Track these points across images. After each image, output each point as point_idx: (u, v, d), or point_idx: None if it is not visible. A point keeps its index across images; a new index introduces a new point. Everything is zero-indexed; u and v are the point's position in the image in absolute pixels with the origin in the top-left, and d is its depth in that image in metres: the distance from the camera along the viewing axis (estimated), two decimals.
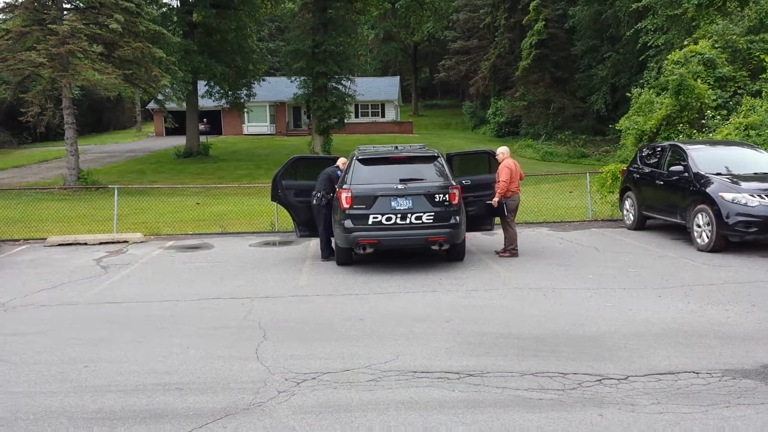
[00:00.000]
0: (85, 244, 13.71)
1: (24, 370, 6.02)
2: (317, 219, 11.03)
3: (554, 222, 14.84)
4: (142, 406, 5.14)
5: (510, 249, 10.90)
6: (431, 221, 9.73)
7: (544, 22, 45.14)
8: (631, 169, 13.63)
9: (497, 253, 11.05)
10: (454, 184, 10.06)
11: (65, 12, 26.76)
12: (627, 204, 13.53)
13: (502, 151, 11.13)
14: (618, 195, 14.27)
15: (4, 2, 27.99)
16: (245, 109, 44.13)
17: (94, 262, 11.76)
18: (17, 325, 7.75)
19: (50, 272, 10.90)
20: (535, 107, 47.16)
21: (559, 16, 45.91)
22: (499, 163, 10.92)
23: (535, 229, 13.75)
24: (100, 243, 13.73)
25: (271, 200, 12.09)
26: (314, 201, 10.91)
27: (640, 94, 20.42)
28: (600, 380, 5.40)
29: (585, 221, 14.90)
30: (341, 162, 11.35)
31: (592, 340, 6.45)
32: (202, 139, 40.02)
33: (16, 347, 6.80)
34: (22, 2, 26.07)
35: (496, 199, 10.66)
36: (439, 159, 10.38)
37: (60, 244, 13.71)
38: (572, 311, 7.54)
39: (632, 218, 13.26)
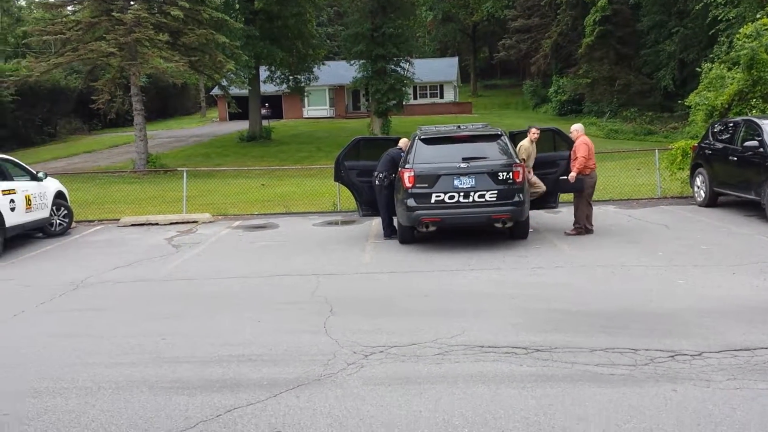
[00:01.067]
0: (157, 224, 14.20)
1: (104, 343, 6.30)
2: (379, 199, 11.11)
3: (621, 200, 14.50)
4: (218, 376, 5.32)
5: (585, 226, 10.70)
6: (494, 199, 9.66)
7: None
8: (703, 145, 13.19)
9: (568, 234, 10.77)
10: (518, 161, 9.96)
11: (131, 2, 27.51)
12: (698, 180, 13.10)
13: (576, 128, 10.93)
14: (689, 172, 13.83)
15: None
16: (305, 93, 44.55)
17: (166, 241, 12.17)
18: (95, 301, 8.11)
19: (124, 251, 11.35)
20: (599, 84, 45.91)
21: None
22: (573, 141, 10.79)
23: (601, 207, 13.44)
24: (171, 223, 14.20)
25: (334, 180, 12.22)
26: (376, 182, 10.99)
27: (710, 69, 19.60)
28: (673, 356, 5.29)
29: (654, 198, 14.51)
30: (403, 143, 11.37)
31: (663, 317, 6.31)
32: (264, 123, 40.65)
33: (95, 321, 7.13)
34: None
35: (573, 174, 10.47)
36: (502, 137, 10.28)
37: (133, 225, 14.25)
38: (642, 288, 7.39)
39: (704, 195, 12.84)
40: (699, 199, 13.03)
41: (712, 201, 12.63)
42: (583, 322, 6.28)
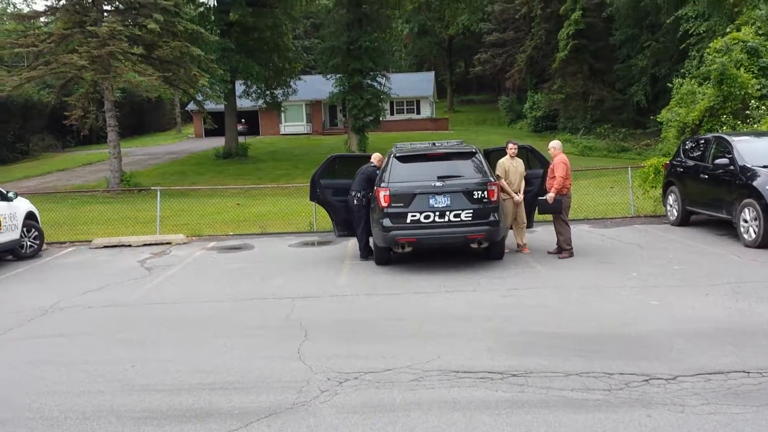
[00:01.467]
0: (130, 245, 14.01)
1: (72, 370, 6.17)
2: (356, 219, 11.04)
3: (595, 219, 14.62)
4: (188, 405, 5.23)
5: (568, 249, 10.45)
6: (470, 219, 9.67)
7: (581, 11, 44.33)
8: (674, 162, 13.34)
9: (551, 253, 10.72)
10: (493, 180, 9.99)
11: (105, 14, 27.31)
12: (670, 199, 13.24)
13: (555, 145, 10.72)
14: (661, 190, 13.98)
15: (46, 6, 28.74)
16: (282, 109, 44.46)
17: (139, 263, 12.00)
18: (65, 326, 7.95)
19: (96, 274, 11.16)
20: (572, 100, 46.45)
21: (596, 5, 45.01)
22: (548, 159, 10.76)
23: (575, 226, 13.50)
24: (144, 244, 14.02)
25: (310, 200, 12.16)
26: (354, 201, 10.93)
27: (681, 85, 19.92)
28: (647, 380, 5.30)
29: (627, 217, 14.65)
30: (376, 158, 11.35)
31: (637, 340, 6.34)
32: (241, 139, 40.48)
33: (65, 348, 6.98)
34: (63, 5, 26.69)
35: (551, 194, 10.28)
36: (477, 155, 10.30)
37: (105, 246, 14.03)
38: (616, 310, 7.42)
39: (676, 214, 12.98)
40: (672, 218, 13.17)
41: (684, 220, 12.76)
42: (558, 345, 6.28)
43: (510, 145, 10.95)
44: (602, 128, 42.94)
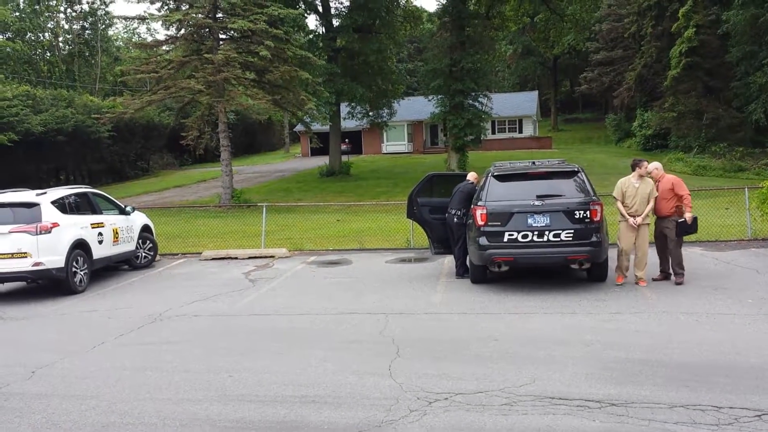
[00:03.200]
0: (236, 258, 14.56)
1: (174, 378, 6.44)
2: (456, 237, 10.98)
3: (708, 241, 13.76)
4: (280, 417, 5.32)
5: (682, 273, 9.77)
6: (570, 239, 9.36)
7: (695, 29, 42.36)
8: None
9: (656, 280, 10.04)
10: (597, 199, 9.64)
11: (220, 42, 28.81)
12: None
13: (657, 166, 10.01)
14: None
15: (167, 35, 30.67)
16: (384, 129, 45.11)
17: (243, 275, 12.44)
18: (171, 334, 8.34)
19: (204, 285, 11.66)
20: (685, 118, 44.21)
21: (711, 22, 42.89)
22: (656, 181, 9.88)
23: (687, 249, 12.77)
24: (249, 257, 14.53)
25: (407, 217, 12.21)
26: (455, 219, 10.89)
27: None
28: (759, 416, 4.90)
29: (743, 240, 13.72)
30: (472, 176, 11.27)
31: (750, 371, 5.88)
32: (344, 158, 41.35)
33: (168, 355, 7.31)
34: (182, 34, 28.40)
35: (689, 214, 9.62)
36: (579, 174, 9.98)
37: (213, 258, 14.66)
38: (728, 338, 6.93)
39: None
40: None
41: None
42: (663, 374, 5.93)
43: (642, 164, 9.86)
44: (718, 147, 40.67)
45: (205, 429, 5.14)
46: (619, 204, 9.82)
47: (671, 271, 9.91)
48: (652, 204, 9.69)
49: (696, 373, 5.90)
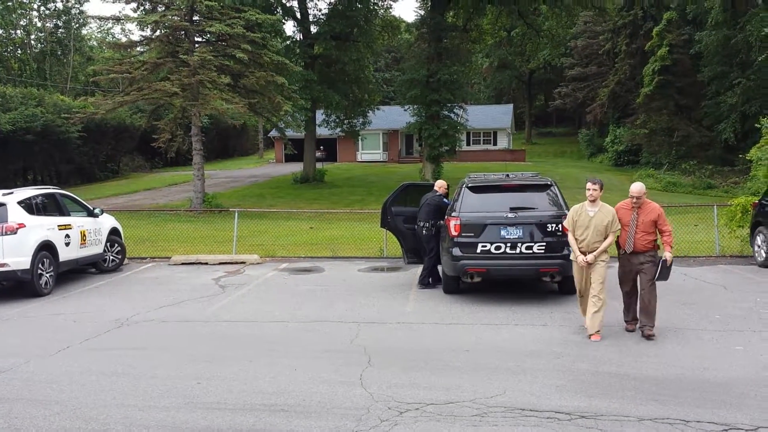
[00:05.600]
0: (206, 263, 14.39)
1: (141, 384, 6.31)
2: (427, 249, 10.99)
3: (677, 257, 13.93)
4: (249, 426, 5.23)
5: (652, 323, 7.75)
6: (543, 251, 9.43)
7: (668, 48, 43.29)
8: (764, 202, 12.70)
9: (630, 330, 8.03)
10: (568, 213, 9.69)
11: (196, 45, 28.58)
12: (759, 239, 12.55)
13: (642, 189, 7.79)
14: (749, 230, 13.27)
15: (142, 36, 30.36)
16: (359, 137, 45.14)
17: (213, 281, 12.29)
18: (138, 340, 8.18)
19: (172, 290, 11.49)
20: (657, 135, 45.07)
21: (684, 42, 43.89)
22: (636, 208, 7.73)
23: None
24: (220, 263, 14.37)
25: (381, 226, 12.19)
26: (423, 231, 10.90)
27: None
28: (726, 430, 4.96)
29: (711, 257, 13.96)
30: (439, 185, 11.26)
31: (717, 386, 5.95)
32: (318, 165, 41.27)
33: (135, 361, 7.16)
34: (158, 36, 28.12)
35: (670, 254, 7.67)
36: (552, 187, 10.07)
37: (183, 263, 14.47)
38: (696, 354, 7.02)
39: (764, 255, 12.29)
40: (759, 259, 12.46)
41: None
42: (632, 387, 5.97)
43: (589, 185, 7.92)
44: (688, 164, 41.53)
45: None
46: (570, 236, 7.94)
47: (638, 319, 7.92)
48: (611, 239, 7.68)
49: (664, 388, 5.95)
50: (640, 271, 7.75)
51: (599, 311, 7.66)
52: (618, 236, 7.84)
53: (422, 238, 10.97)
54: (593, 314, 7.68)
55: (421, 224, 10.93)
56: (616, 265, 8.12)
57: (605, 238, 7.69)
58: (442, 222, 10.70)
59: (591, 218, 7.76)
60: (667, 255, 7.63)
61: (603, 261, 7.75)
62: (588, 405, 5.54)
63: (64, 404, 5.76)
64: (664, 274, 7.68)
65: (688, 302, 9.55)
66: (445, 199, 10.94)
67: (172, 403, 5.77)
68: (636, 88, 47.62)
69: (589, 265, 7.73)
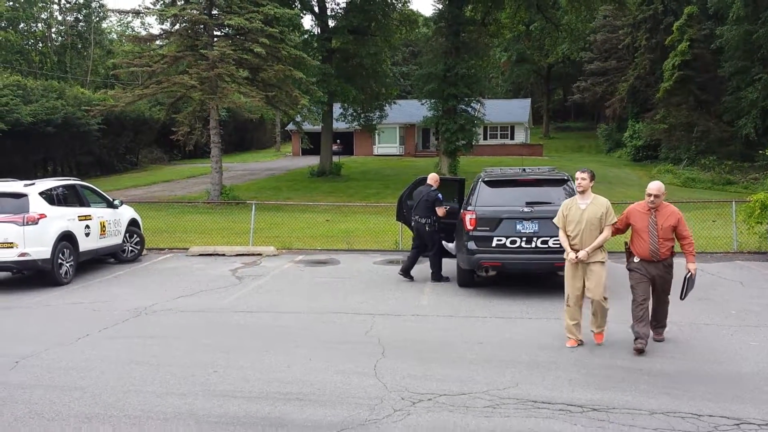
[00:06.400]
0: (223, 255, 14.53)
1: (159, 372, 6.42)
2: (430, 244, 11.12)
3: (695, 253, 13.86)
4: (264, 414, 5.32)
5: (663, 327, 7.46)
6: (558, 246, 9.39)
7: (688, 43, 42.82)
8: None
9: (656, 339, 7.36)
10: None
11: (215, 39, 28.74)
12: None
13: (662, 189, 7.01)
14: (767, 226, 13.15)
15: (162, 29, 30.59)
16: (376, 131, 45.17)
17: (230, 272, 12.42)
18: (157, 329, 8.31)
19: (190, 280, 11.63)
20: (676, 130, 44.64)
21: (705, 36, 43.38)
22: (654, 209, 6.97)
23: (674, 259, 12.92)
24: (237, 255, 14.50)
25: (396, 220, 12.25)
26: (426, 228, 10.98)
27: None
28: (738, 424, 4.96)
29: (729, 253, 13.85)
30: (432, 179, 11.25)
31: (731, 380, 5.95)
32: (335, 159, 41.36)
33: (154, 349, 7.29)
34: (177, 29, 28.30)
35: (694, 265, 7.19)
36: (569, 182, 10.04)
37: (200, 254, 14.62)
38: (710, 348, 7.01)
39: None
40: None
41: None
42: (645, 381, 5.99)
43: (578, 174, 7.32)
44: (707, 160, 41.11)
45: (189, 423, 5.14)
46: (561, 233, 7.34)
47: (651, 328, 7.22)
48: (606, 233, 7.06)
49: (677, 381, 5.96)
50: (657, 280, 7.07)
51: (604, 315, 7.16)
52: (630, 242, 7.13)
53: (424, 234, 11.06)
54: (602, 320, 7.19)
55: (423, 221, 10.99)
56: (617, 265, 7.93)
57: (600, 233, 7.04)
58: (434, 217, 10.86)
59: (583, 211, 7.10)
60: (691, 267, 7.04)
61: (600, 260, 7.03)
62: (600, 398, 5.56)
63: (83, 390, 5.89)
64: (690, 286, 7.12)
65: (705, 298, 9.51)
66: (437, 193, 10.98)
67: (189, 390, 5.87)
68: (656, 82, 47.17)
69: (584, 264, 7.02)
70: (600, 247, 7.05)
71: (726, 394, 5.61)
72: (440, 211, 10.89)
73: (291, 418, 5.21)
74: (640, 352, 6.79)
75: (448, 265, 11.40)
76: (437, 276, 11.17)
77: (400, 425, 5.04)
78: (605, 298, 7.10)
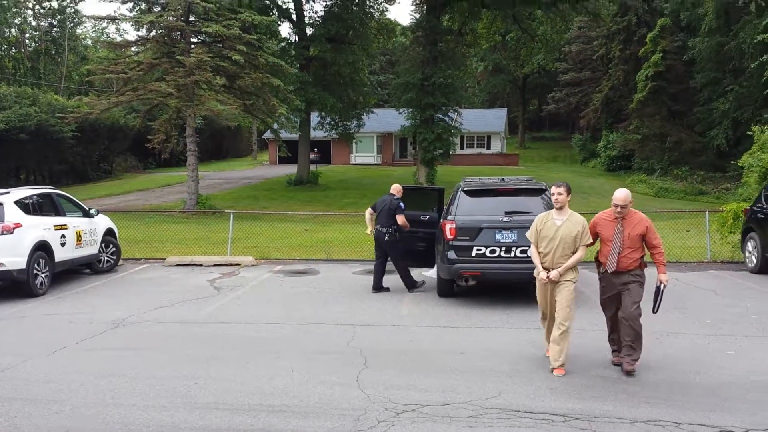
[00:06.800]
0: (201, 265, 14.41)
1: (138, 384, 6.35)
2: (393, 254, 11.11)
3: (669, 262, 14.01)
4: (247, 426, 5.29)
5: (637, 355, 6.70)
6: None
7: (661, 54, 43.60)
8: (755, 208, 12.82)
9: (628, 371, 6.54)
10: None
11: (192, 45, 28.58)
12: (750, 246, 12.70)
13: (624, 198, 6.61)
14: (740, 236, 13.42)
15: (138, 36, 30.35)
16: (354, 140, 45.21)
17: (208, 282, 12.32)
18: (134, 340, 8.21)
19: (167, 291, 11.52)
20: (649, 141, 45.35)
21: (677, 48, 44.24)
22: (621, 218, 6.64)
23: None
24: (215, 265, 14.40)
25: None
26: (386, 237, 11.00)
27: (762, 132, 19.26)
28: None
29: (703, 262, 14.09)
30: (395, 189, 11.29)
31: (709, 390, 6.05)
32: (312, 167, 41.28)
33: (133, 361, 7.21)
34: (153, 36, 28.10)
35: (665, 276, 6.84)
36: (547, 192, 10.13)
37: (178, 264, 14.49)
38: (688, 357, 7.12)
39: (755, 261, 12.42)
40: (750, 265, 12.61)
41: (764, 267, 12.18)
42: (624, 390, 6.07)
43: (553, 189, 6.88)
44: (680, 170, 41.81)
45: None
46: (533, 249, 6.94)
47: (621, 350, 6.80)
48: (580, 254, 6.65)
49: (656, 390, 6.05)
50: (623, 291, 6.67)
51: (564, 341, 6.57)
52: (598, 252, 6.80)
53: (385, 245, 11.05)
54: (555, 344, 6.60)
55: (384, 230, 10.99)
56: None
57: (574, 253, 6.67)
58: (395, 226, 10.91)
59: (558, 228, 6.68)
60: (662, 278, 6.73)
61: (570, 280, 6.63)
62: (582, 407, 5.62)
63: (62, 403, 5.80)
64: (660, 299, 6.77)
65: (680, 307, 9.66)
66: (399, 202, 11.02)
67: (170, 403, 5.82)
68: (629, 93, 47.93)
69: (554, 284, 6.65)
70: (573, 267, 6.67)
71: (705, 403, 5.70)
72: (400, 219, 10.88)
73: (276, 430, 5.19)
74: (630, 373, 6.49)
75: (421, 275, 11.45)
76: (410, 283, 11.19)
77: None
78: (564, 324, 6.54)
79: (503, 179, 11.37)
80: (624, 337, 6.67)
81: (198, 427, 5.26)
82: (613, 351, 6.99)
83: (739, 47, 37.08)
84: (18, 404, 5.78)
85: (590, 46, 56.60)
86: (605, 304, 6.93)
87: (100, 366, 6.99)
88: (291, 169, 42.31)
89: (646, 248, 6.76)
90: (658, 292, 6.72)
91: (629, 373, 6.47)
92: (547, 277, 6.61)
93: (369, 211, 11.50)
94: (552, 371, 6.61)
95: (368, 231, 11.43)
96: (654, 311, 6.75)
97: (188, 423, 5.35)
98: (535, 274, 6.88)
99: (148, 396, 6.01)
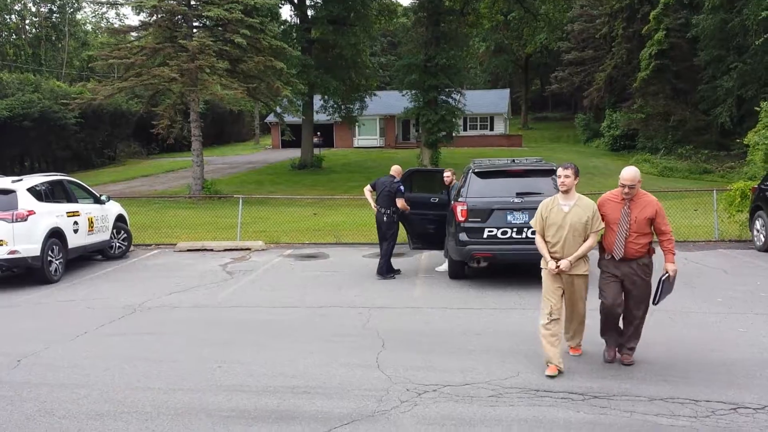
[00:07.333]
0: (212, 250, 14.51)
1: (162, 367, 6.46)
2: (388, 236, 11.04)
3: (677, 242, 14.08)
4: (274, 406, 5.40)
5: (632, 348, 6.41)
6: None
7: (665, 32, 43.29)
8: (762, 187, 12.86)
9: (625, 363, 6.30)
10: None
11: (194, 30, 28.48)
12: (758, 224, 12.74)
13: (633, 177, 6.04)
14: (748, 214, 13.47)
15: (140, 21, 30.23)
16: (356, 123, 45.16)
17: (220, 267, 12.43)
18: (153, 325, 8.32)
19: (180, 276, 11.62)
20: (653, 120, 45.20)
21: (681, 26, 43.87)
22: (628, 200, 6.08)
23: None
24: (225, 249, 14.50)
25: None
26: (384, 218, 11.00)
27: None
28: (735, 409, 5.14)
29: (711, 241, 14.15)
30: (395, 171, 11.30)
31: (724, 367, 6.14)
32: (316, 151, 41.29)
33: (154, 345, 7.32)
34: (155, 20, 28.01)
35: (673, 266, 6.25)
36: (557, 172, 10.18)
37: (189, 250, 14.59)
38: (701, 336, 7.21)
39: (763, 239, 12.48)
40: (758, 244, 12.66)
41: None
42: (641, 369, 6.16)
43: (560, 171, 6.28)
44: (684, 149, 41.68)
45: (201, 417, 5.20)
46: (538, 239, 6.36)
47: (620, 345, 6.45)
48: (591, 241, 6.10)
49: (672, 369, 6.14)
50: (629, 283, 6.18)
51: (580, 325, 6.44)
52: (603, 237, 6.30)
53: (382, 225, 11.05)
54: (578, 335, 6.53)
55: (383, 211, 10.99)
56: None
57: (585, 240, 6.13)
58: (394, 208, 10.91)
59: (566, 214, 6.11)
60: (669, 267, 6.15)
61: (582, 273, 6.13)
62: (600, 386, 5.71)
63: (90, 388, 5.91)
64: (667, 289, 6.21)
65: (691, 286, 9.75)
66: (399, 184, 11.03)
67: (195, 385, 5.92)
68: (633, 72, 47.64)
69: (566, 275, 6.11)
70: (584, 257, 6.14)
71: (720, 380, 5.79)
72: (400, 203, 10.92)
73: (301, 411, 5.29)
74: (629, 363, 6.23)
75: (436, 257, 11.53)
76: (387, 269, 11.03)
77: (409, 416, 5.15)
78: (583, 315, 6.36)
79: (513, 160, 11.40)
80: (626, 334, 6.39)
81: (226, 409, 5.37)
82: (608, 345, 6.49)
83: (743, 24, 36.77)
84: (45, 389, 5.89)
85: (593, 24, 56.17)
86: (605, 291, 6.22)
87: (122, 350, 7.10)
88: (294, 153, 42.33)
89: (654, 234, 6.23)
90: (660, 283, 6.15)
91: (628, 364, 6.24)
92: (557, 267, 6.06)
93: (368, 188, 11.50)
94: (569, 351, 6.63)
95: (374, 207, 11.43)
96: (654, 303, 6.24)
97: (216, 405, 5.46)
98: (542, 266, 6.28)
99: (173, 379, 6.12)
